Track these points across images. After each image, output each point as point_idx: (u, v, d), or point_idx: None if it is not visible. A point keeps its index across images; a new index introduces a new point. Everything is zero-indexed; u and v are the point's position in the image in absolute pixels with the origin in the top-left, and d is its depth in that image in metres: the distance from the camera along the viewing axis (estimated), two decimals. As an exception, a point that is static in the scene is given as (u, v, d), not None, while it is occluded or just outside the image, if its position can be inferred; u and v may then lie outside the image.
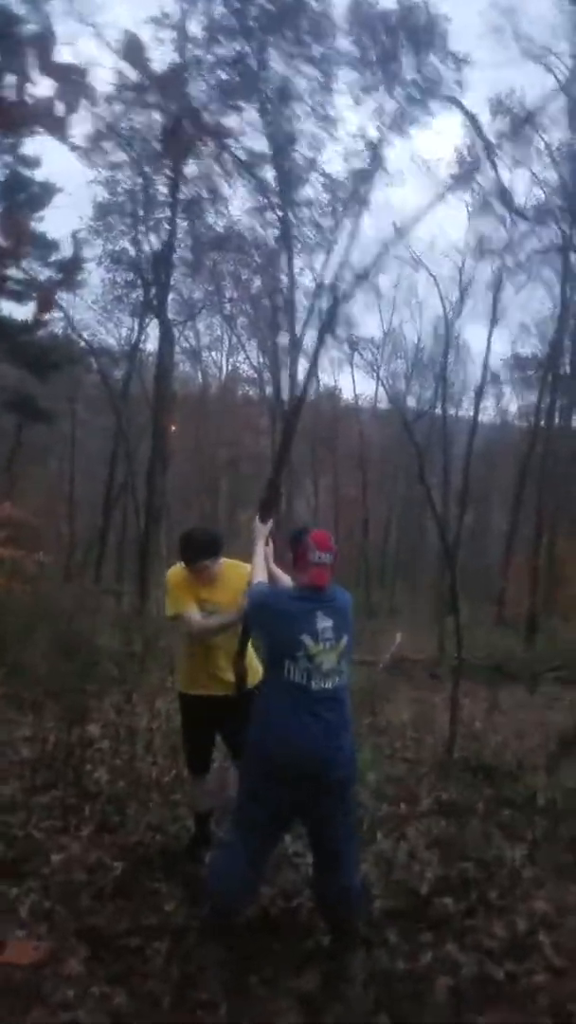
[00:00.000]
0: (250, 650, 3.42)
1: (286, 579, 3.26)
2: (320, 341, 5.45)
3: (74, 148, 2.05)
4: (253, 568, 3.15)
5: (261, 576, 3.08)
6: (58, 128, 1.97)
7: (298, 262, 23.77)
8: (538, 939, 3.09)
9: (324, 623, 2.76)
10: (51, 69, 1.90)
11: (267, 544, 3.28)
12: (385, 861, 3.82)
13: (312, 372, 5.95)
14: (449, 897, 3.43)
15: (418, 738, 6.82)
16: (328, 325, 6.60)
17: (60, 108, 1.94)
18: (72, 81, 1.93)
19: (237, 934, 2.93)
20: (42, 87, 1.93)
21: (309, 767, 2.69)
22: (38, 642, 8.70)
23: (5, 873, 3.42)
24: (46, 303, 2.27)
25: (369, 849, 3.94)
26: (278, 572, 3.33)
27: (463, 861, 3.83)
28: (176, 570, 3.48)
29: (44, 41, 1.81)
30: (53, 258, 20.02)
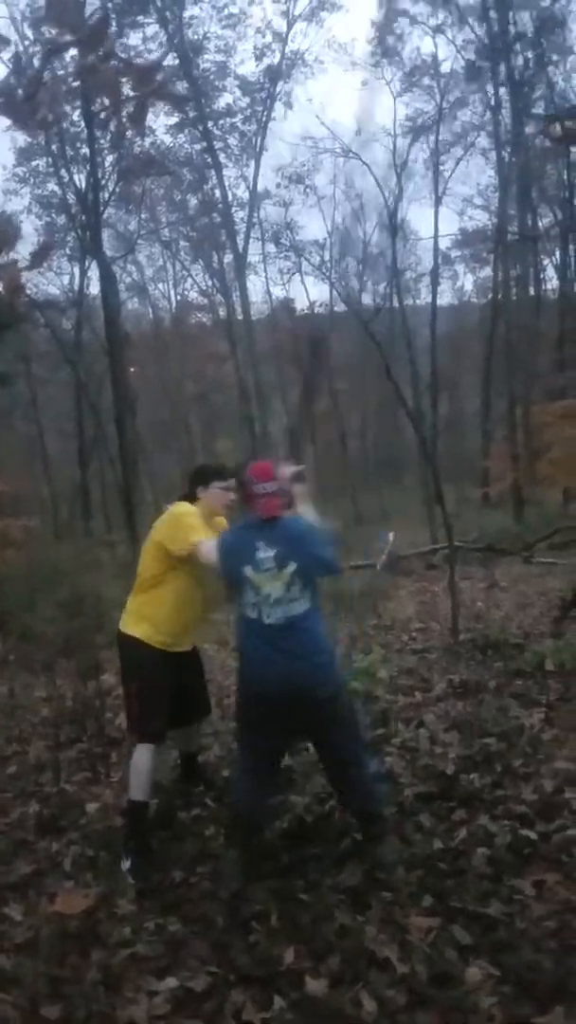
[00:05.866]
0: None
1: None
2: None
3: (25, 127, 1.85)
4: None
5: None
6: (21, 116, 1.79)
7: (229, 173, 22.91)
8: (565, 796, 3.20)
9: (265, 552, 2.74)
10: None
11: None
12: (408, 749, 3.93)
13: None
14: (475, 773, 3.54)
15: (424, 628, 6.95)
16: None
17: (19, 93, 1.75)
18: None
19: (261, 843, 3.02)
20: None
21: (282, 695, 2.71)
22: (42, 605, 8.72)
23: (45, 830, 3.50)
24: (16, 288, 2.10)
25: (391, 741, 4.04)
26: None
27: (484, 737, 3.94)
28: (190, 507, 3.28)
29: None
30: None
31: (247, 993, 2.24)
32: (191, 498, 3.32)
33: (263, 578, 2.73)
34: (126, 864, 3.01)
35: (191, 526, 3.12)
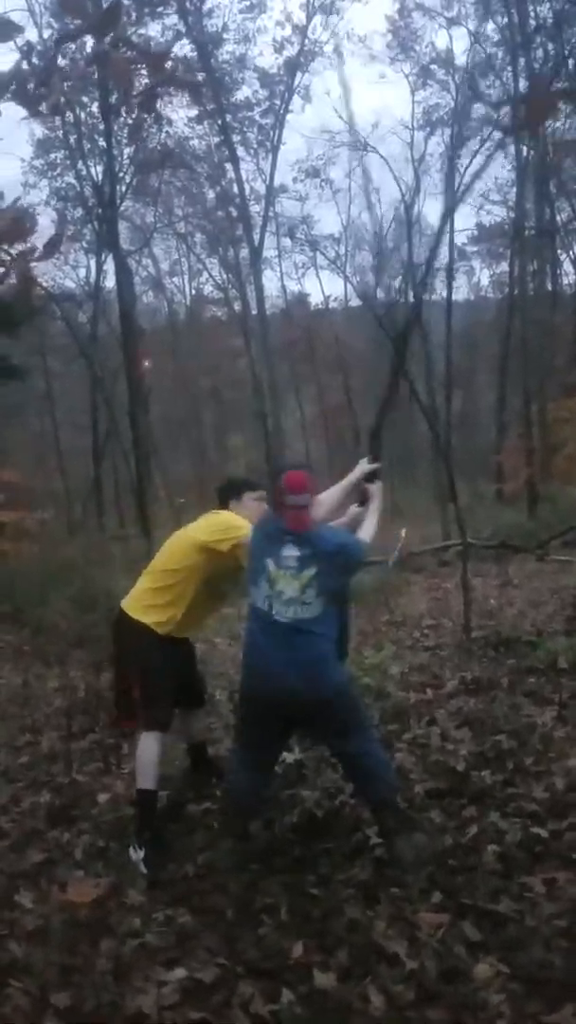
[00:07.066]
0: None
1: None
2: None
3: (36, 115, 1.86)
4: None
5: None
6: (31, 103, 1.80)
7: (247, 167, 22.87)
8: (576, 794, 3.18)
9: (291, 551, 2.76)
10: None
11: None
12: (419, 746, 3.92)
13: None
14: (486, 770, 3.52)
15: (436, 625, 6.93)
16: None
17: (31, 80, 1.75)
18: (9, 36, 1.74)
19: (251, 834, 3.04)
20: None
21: (273, 695, 2.74)
22: (54, 598, 8.77)
23: (57, 820, 3.52)
24: (28, 280, 2.11)
25: (402, 737, 4.04)
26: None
27: (495, 734, 3.92)
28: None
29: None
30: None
31: (256, 985, 2.24)
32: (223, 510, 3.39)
33: (281, 575, 2.75)
34: (139, 854, 3.01)
35: (241, 524, 3.18)
